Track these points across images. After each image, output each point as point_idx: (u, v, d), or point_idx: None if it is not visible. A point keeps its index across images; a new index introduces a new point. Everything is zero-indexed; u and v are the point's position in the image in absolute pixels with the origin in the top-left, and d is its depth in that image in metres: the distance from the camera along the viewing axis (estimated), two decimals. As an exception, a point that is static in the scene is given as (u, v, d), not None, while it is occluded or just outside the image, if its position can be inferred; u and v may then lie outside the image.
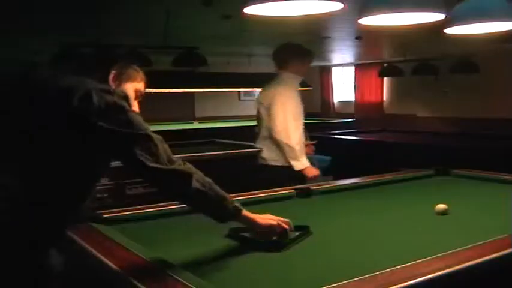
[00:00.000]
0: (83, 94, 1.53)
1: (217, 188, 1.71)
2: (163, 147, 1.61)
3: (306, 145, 3.75)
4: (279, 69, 3.67)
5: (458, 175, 3.13)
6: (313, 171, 3.52)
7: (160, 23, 4.62)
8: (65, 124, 1.53)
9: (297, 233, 1.88)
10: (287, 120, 3.49)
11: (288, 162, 3.50)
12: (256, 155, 3.78)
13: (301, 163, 3.51)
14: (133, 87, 1.80)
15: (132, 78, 1.80)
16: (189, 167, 1.66)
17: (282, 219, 1.82)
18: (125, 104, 1.61)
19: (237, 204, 1.74)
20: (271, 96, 3.55)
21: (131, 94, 1.79)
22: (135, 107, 1.80)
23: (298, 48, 3.67)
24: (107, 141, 1.55)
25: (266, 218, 1.81)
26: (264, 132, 3.62)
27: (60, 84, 1.59)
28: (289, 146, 3.47)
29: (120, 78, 1.76)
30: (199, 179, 1.65)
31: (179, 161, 1.64)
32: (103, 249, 1.65)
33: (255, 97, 3.86)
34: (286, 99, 3.53)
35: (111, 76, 1.74)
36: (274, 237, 1.85)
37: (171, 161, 1.60)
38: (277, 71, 3.70)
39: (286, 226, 1.80)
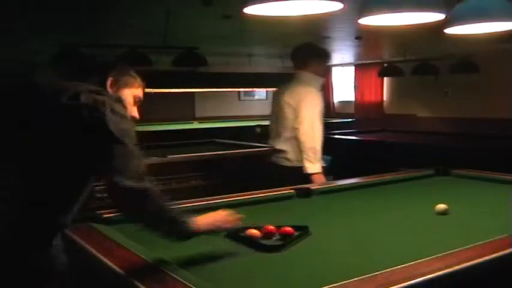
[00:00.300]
0: (73, 94, 1.56)
1: (179, 211, 1.66)
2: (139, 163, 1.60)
3: None
4: (298, 69, 3.65)
5: (458, 175, 3.13)
6: (322, 179, 3.43)
7: (160, 23, 4.62)
8: (61, 124, 1.54)
9: (297, 233, 1.89)
10: (315, 122, 3.45)
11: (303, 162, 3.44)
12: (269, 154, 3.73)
13: (316, 167, 3.43)
14: (132, 93, 1.81)
15: (130, 84, 1.81)
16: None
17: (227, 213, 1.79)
18: (121, 110, 1.63)
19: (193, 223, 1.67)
20: (301, 96, 3.50)
21: (129, 100, 1.80)
22: (134, 112, 1.82)
23: (316, 49, 3.66)
24: (96, 143, 1.55)
25: (217, 216, 1.77)
26: (288, 133, 3.56)
27: (58, 85, 1.62)
28: (314, 148, 3.42)
29: (118, 85, 1.77)
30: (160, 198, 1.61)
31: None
32: (103, 249, 1.66)
33: (277, 95, 3.74)
34: (315, 100, 3.50)
35: (108, 82, 1.75)
36: (275, 238, 1.86)
37: (141, 178, 1.57)
38: (295, 71, 3.68)
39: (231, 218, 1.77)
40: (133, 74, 1.84)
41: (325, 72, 3.57)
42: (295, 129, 3.48)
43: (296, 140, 3.48)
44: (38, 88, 1.66)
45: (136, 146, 1.63)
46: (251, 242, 1.81)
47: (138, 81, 1.85)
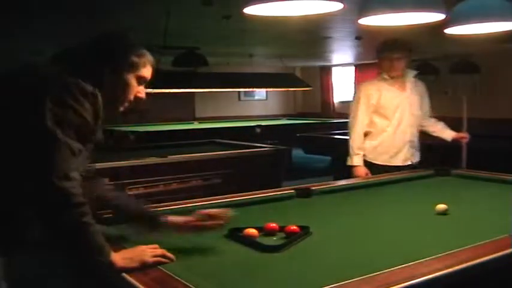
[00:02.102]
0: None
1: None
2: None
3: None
4: None
5: (458, 175, 3.13)
6: (356, 173, 3.51)
7: (160, 23, 4.62)
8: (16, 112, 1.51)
9: (298, 233, 1.88)
10: (350, 116, 3.67)
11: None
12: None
13: (349, 160, 3.58)
14: (134, 76, 1.71)
15: (132, 68, 1.70)
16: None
17: (150, 246, 1.61)
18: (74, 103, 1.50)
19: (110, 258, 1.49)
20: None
21: (132, 83, 1.70)
22: (140, 92, 1.73)
23: (378, 44, 3.58)
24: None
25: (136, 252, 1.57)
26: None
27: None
28: (349, 142, 3.64)
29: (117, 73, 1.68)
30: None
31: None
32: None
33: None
34: (354, 95, 3.69)
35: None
36: (274, 238, 1.86)
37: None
38: None
39: (158, 253, 1.57)
40: (138, 52, 1.72)
41: (386, 65, 3.48)
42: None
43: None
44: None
45: (75, 142, 1.49)
46: (251, 242, 1.81)
47: (143, 60, 1.72)
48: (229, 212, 1.87)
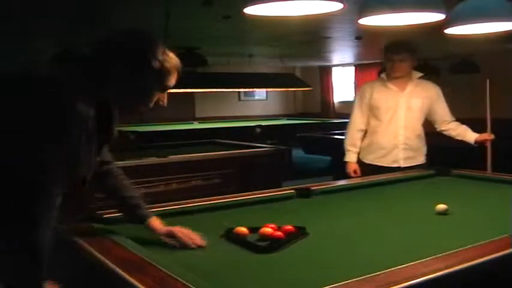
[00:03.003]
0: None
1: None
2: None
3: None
4: None
5: (458, 175, 3.13)
6: (347, 168, 3.56)
7: (160, 23, 4.62)
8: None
9: (294, 234, 1.88)
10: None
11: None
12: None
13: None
14: (159, 86, 1.59)
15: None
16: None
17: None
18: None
19: None
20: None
21: (156, 93, 1.59)
22: (161, 100, 1.64)
23: (384, 45, 3.58)
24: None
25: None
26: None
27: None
28: None
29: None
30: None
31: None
32: (103, 249, 1.65)
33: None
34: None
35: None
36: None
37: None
38: None
39: None
40: (164, 58, 1.53)
41: (389, 66, 3.47)
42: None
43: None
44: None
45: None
46: (246, 242, 1.80)
47: (169, 67, 1.55)
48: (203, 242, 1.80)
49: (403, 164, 3.46)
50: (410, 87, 3.49)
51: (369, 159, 3.54)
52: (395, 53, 3.42)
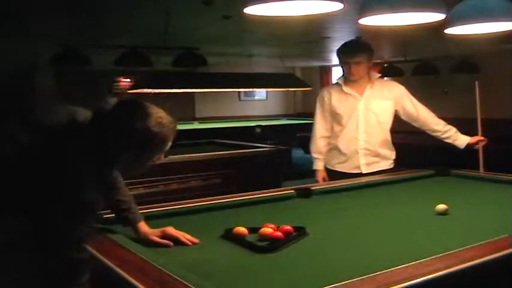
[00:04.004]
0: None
1: None
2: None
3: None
4: None
5: (458, 175, 3.13)
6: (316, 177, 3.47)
7: (160, 23, 4.62)
8: None
9: (293, 235, 1.88)
10: None
11: None
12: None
13: None
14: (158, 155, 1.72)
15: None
16: None
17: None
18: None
19: None
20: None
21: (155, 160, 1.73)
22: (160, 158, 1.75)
23: (338, 48, 3.47)
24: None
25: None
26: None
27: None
28: None
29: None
30: None
31: None
32: (103, 249, 1.65)
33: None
34: None
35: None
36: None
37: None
38: None
39: None
40: (166, 137, 1.65)
41: (345, 70, 3.32)
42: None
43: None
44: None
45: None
46: (246, 243, 1.80)
47: (169, 142, 1.69)
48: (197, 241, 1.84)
49: (364, 170, 3.31)
50: (368, 90, 3.33)
51: (331, 165, 3.42)
52: (351, 56, 3.26)
